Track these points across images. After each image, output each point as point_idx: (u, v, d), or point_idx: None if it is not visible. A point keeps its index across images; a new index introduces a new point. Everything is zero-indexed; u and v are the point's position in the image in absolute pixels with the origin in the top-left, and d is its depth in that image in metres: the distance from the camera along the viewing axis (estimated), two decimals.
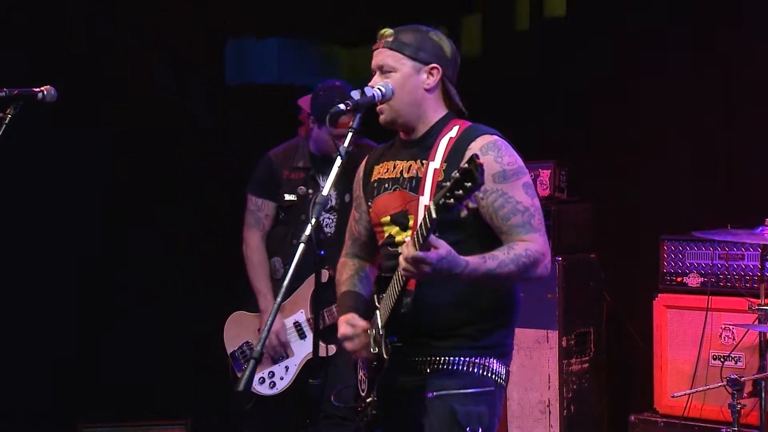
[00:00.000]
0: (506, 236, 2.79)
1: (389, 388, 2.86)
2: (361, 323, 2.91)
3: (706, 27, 5.07)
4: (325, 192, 2.70)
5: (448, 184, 2.44)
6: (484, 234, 2.82)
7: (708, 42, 5.07)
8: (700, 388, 4.31)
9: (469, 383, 2.82)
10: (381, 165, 3.03)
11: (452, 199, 2.43)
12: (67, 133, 5.25)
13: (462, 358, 2.82)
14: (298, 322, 4.38)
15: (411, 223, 2.86)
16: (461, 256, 2.63)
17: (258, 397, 4.34)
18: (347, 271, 3.14)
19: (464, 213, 2.49)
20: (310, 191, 4.36)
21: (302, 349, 4.35)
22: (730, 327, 4.42)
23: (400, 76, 2.88)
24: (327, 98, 4.22)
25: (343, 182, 3.57)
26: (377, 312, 2.87)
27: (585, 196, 5.22)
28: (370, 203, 3.03)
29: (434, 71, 2.92)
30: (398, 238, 2.91)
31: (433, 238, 2.56)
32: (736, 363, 4.39)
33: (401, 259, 2.60)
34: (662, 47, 5.22)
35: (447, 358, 2.83)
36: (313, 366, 4.35)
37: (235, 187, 5.73)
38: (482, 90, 5.63)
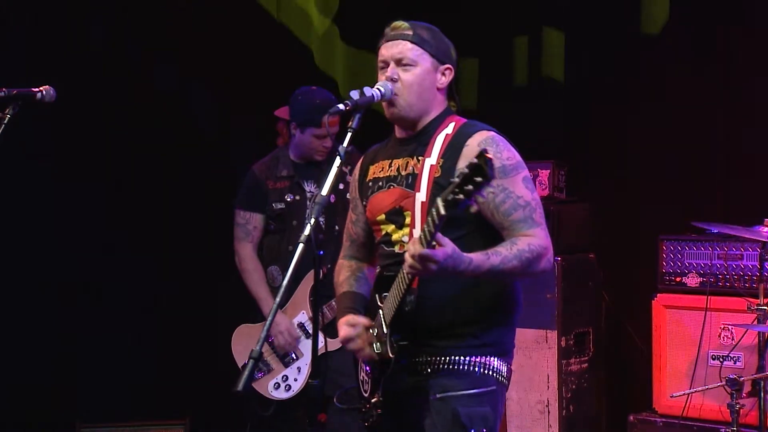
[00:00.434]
0: (508, 232, 2.79)
1: (393, 388, 2.86)
2: (362, 320, 2.90)
3: (706, 27, 5.07)
4: (324, 192, 2.71)
5: (457, 180, 2.41)
6: (485, 229, 2.82)
7: (708, 42, 5.07)
8: (699, 388, 4.32)
9: (471, 384, 2.81)
10: (376, 164, 3.03)
11: (461, 195, 2.41)
12: (67, 133, 5.26)
13: (463, 357, 2.82)
14: (301, 323, 4.39)
15: (407, 220, 2.85)
16: (465, 254, 2.63)
17: (277, 403, 4.38)
18: (345, 273, 3.13)
19: (474, 208, 2.47)
20: (297, 197, 4.43)
21: (310, 348, 4.37)
22: (729, 327, 4.42)
23: (421, 71, 2.88)
24: (307, 101, 4.34)
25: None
26: (380, 311, 2.86)
27: (584, 196, 5.22)
28: (365, 203, 3.03)
29: (447, 72, 2.94)
30: (394, 237, 2.90)
31: (439, 235, 2.55)
32: (735, 363, 4.40)
33: (407, 256, 2.59)
34: (662, 47, 5.22)
35: (448, 358, 2.82)
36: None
37: (235, 188, 5.76)
38: (482, 88, 5.69)
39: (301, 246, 2.63)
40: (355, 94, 2.81)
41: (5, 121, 3.01)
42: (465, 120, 2.94)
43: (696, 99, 5.11)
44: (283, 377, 4.39)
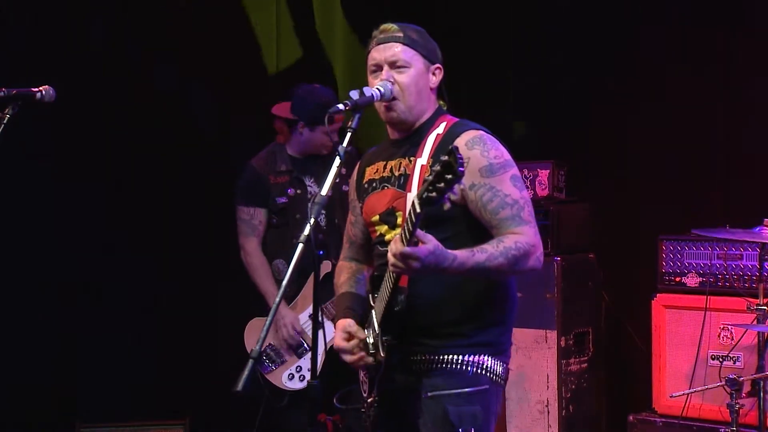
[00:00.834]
0: (496, 230, 2.79)
1: (388, 388, 2.88)
2: (360, 335, 2.90)
3: (706, 27, 5.08)
4: (324, 192, 2.71)
5: (430, 178, 2.43)
6: (474, 229, 2.82)
7: (708, 42, 5.07)
8: (699, 388, 4.32)
9: (462, 383, 2.82)
10: (372, 166, 3.04)
11: (435, 193, 2.42)
12: (67, 133, 5.25)
13: (455, 357, 2.83)
14: (311, 314, 4.41)
15: (399, 220, 2.86)
16: (449, 250, 2.63)
17: (290, 394, 4.43)
18: (345, 274, 3.14)
19: (447, 206, 2.48)
20: (299, 191, 4.48)
21: (322, 338, 4.41)
22: (729, 327, 4.42)
23: (415, 73, 2.89)
24: (314, 100, 4.43)
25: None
26: (373, 312, 2.88)
27: (584, 196, 5.23)
28: (361, 204, 3.04)
29: (437, 71, 2.96)
30: (388, 237, 2.91)
31: (420, 232, 2.56)
32: (734, 363, 4.40)
33: (390, 255, 2.60)
34: (662, 47, 5.22)
35: (440, 357, 2.83)
36: (311, 366, 4.40)
37: (235, 187, 5.76)
38: (482, 88, 5.68)
39: (300, 246, 2.64)
40: (354, 94, 2.82)
41: (5, 121, 3.01)
42: (456, 119, 2.96)
43: (696, 99, 5.11)
44: (296, 368, 4.43)
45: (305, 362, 4.43)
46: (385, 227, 2.93)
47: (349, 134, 2.81)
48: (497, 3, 5.72)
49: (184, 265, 5.57)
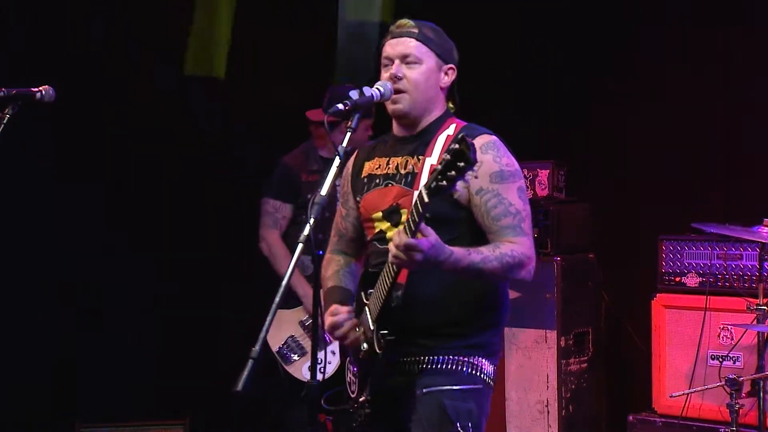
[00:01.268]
0: (494, 236, 2.80)
1: (381, 388, 2.86)
2: (344, 308, 2.92)
3: (706, 27, 5.08)
4: (323, 192, 2.71)
5: (440, 166, 2.43)
6: (476, 234, 2.83)
7: (708, 42, 5.07)
8: (699, 388, 4.32)
9: (458, 380, 2.82)
10: (372, 161, 3.02)
11: (444, 181, 2.42)
12: (67, 133, 5.25)
13: (451, 357, 2.83)
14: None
15: (404, 218, 2.85)
16: (446, 246, 2.64)
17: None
18: (333, 267, 3.13)
19: (457, 194, 2.49)
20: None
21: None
22: (729, 327, 4.43)
23: (426, 69, 2.89)
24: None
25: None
26: (366, 308, 2.87)
27: (583, 196, 5.23)
28: (359, 198, 3.03)
29: (450, 72, 2.95)
30: (389, 234, 2.89)
31: (423, 226, 2.56)
32: (734, 363, 4.40)
33: (392, 246, 2.60)
34: (662, 47, 5.22)
35: (436, 357, 2.83)
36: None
37: (235, 187, 5.76)
38: (481, 88, 5.68)
39: (300, 246, 2.63)
40: (354, 94, 2.82)
41: (5, 121, 3.01)
42: (465, 123, 2.95)
43: (696, 99, 5.11)
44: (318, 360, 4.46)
45: (325, 355, 4.46)
46: (387, 224, 2.92)
47: (348, 134, 2.80)
48: (497, 3, 5.72)
49: (184, 265, 5.58)
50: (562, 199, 5.14)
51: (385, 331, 2.77)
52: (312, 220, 2.64)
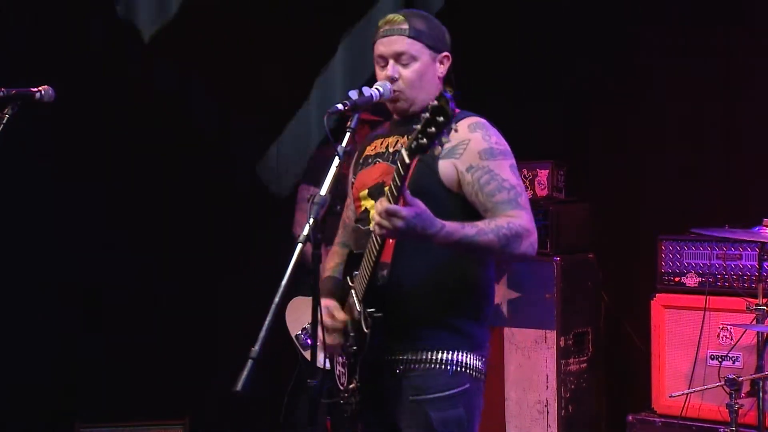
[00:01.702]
0: (491, 213, 2.74)
1: (369, 382, 2.83)
2: (341, 316, 2.88)
3: (706, 26, 5.08)
4: (323, 192, 2.71)
5: (419, 126, 2.40)
6: (468, 216, 2.77)
7: (708, 42, 5.07)
8: (698, 388, 4.31)
9: (443, 384, 2.78)
10: (371, 144, 3.03)
11: (425, 138, 2.39)
12: (67, 133, 5.26)
13: (436, 355, 2.79)
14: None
15: None
16: (438, 219, 2.59)
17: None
18: (334, 259, 3.11)
19: (438, 150, 2.42)
20: None
21: None
22: (728, 327, 4.42)
23: (421, 66, 2.87)
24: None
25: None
26: (352, 291, 2.84)
27: (583, 196, 5.23)
28: (353, 180, 3.03)
29: (445, 60, 2.93)
30: (373, 213, 2.86)
31: (408, 195, 2.52)
32: (733, 363, 4.40)
33: (374, 213, 2.56)
34: (662, 47, 5.22)
35: (419, 356, 2.79)
36: (307, 370, 4.41)
37: (235, 187, 5.77)
38: (480, 88, 5.68)
39: (299, 246, 2.63)
40: (353, 94, 2.81)
41: (4, 121, 3.01)
42: (459, 110, 2.94)
43: (696, 99, 5.11)
44: None
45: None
46: (372, 202, 2.86)
47: (348, 134, 2.80)
48: (498, 3, 5.72)
49: (184, 265, 5.58)
50: (562, 199, 5.14)
51: (371, 310, 2.72)
52: (311, 220, 2.63)
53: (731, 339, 4.41)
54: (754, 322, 4.06)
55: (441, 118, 2.37)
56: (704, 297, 4.47)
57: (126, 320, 5.51)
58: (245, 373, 2.45)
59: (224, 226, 5.72)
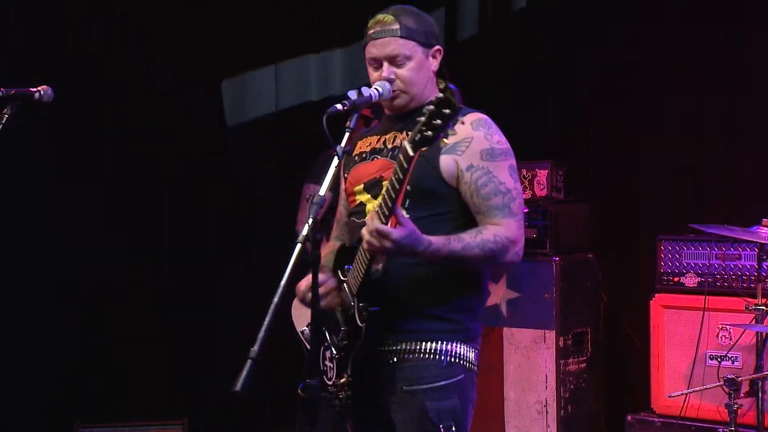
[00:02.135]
0: (482, 217, 2.78)
1: (360, 376, 2.82)
2: (331, 282, 2.87)
3: (706, 26, 5.08)
4: (322, 192, 2.71)
5: (423, 118, 2.41)
6: (462, 213, 2.80)
7: (708, 41, 5.08)
8: (697, 388, 4.32)
9: (437, 375, 2.79)
10: (365, 140, 3.03)
11: (430, 131, 2.40)
12: (67, 133, 5.26)
13: (429, 345, 2.80)
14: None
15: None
16: (425, 236, 2.62)
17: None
18: (325, 251, 3.08)
19: (444, 143, 2.45)
20: None
21: None
22: (727, 327, 4.43)
23: (416, 64, 2.87)
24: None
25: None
26: (344, 285, 2.84)
27: (582, 196, 5.23)
28: (346, 175, 3.02)
29: (437, 53, 2.94)
30: (368, 207, 2.88)
31: (399, 214, 2.55)
32: (733, 363, 4.40)
33: (364, 231, 2.58)
34: (662, 46, 5.22)
35: (415, 345, 2.80)
36: (309, 366, 4.40)
37: (235, 187, 5.77)
38: (480, 87, 5.69)
39: (299, 246, 2.63)
40: (352, 94, 2.81)
41: (3, 121, 3.01)
42: (462, 106, 2.95)
43: (696, 98, 5.11)
44: None
45: None
46: (368, 196, 2.90)
47: (347, 134, 2.80)
48: (498, 2, 5.73)
49: (184, 265, 5.58)
50: (561, 199, 5.14)
51: (366, 304, 2.74)
52: (311, 220, 2.63)
53: (730, 339, 4.42)
54: (753, 322, 4.06)
55: (447, 110, 2.38)
56: (703, 297, 4.47)
57: (126, 320, 5.51)
58: (244, 373, 2.45)
59: (224, 226, 5.73)
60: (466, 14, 5.87)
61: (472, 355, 2.87)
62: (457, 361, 2.82)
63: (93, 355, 5.46)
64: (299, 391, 3.00)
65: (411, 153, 2.46)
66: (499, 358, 4.93)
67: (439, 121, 2.39)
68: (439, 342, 2.81)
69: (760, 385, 3.98)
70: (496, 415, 4.92)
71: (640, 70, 5.29)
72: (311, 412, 2.83)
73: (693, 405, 4.45)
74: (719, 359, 4.41)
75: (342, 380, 2.85)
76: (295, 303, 4.47)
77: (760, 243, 4.04)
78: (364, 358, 2.80)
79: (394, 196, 2.54)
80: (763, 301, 4.05)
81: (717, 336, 4.47)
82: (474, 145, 2.79)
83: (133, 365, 5.49)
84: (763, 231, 4.00)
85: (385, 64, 2.87)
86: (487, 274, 2.97)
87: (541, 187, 5.07)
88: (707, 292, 4.48)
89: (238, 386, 2.45)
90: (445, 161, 2.80)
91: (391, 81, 2.86)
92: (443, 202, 2.80)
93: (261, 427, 5.53)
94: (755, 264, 4.19)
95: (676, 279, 4.66)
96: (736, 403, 3.94)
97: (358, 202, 2.95)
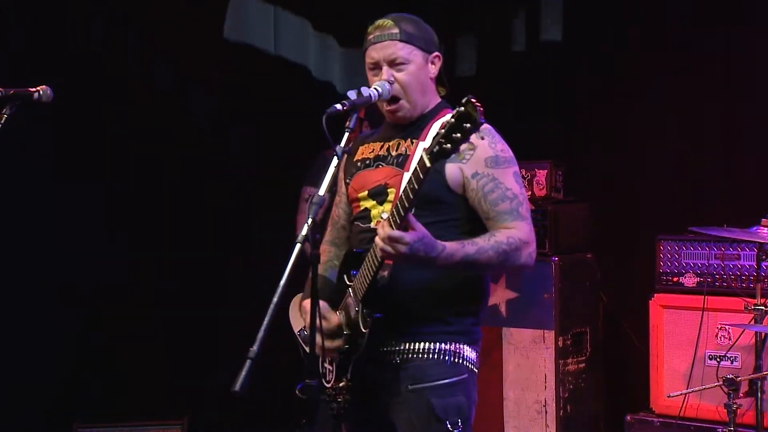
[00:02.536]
0: (492, 222, 2.80)
1: (361, 378, 2.84)
2: (334, 319, 2.89)
3: (706, 27, 5.08)
4: (321, 192, 2.71)
5: (443, 130, 2.42)
6: (474, 216, 2.82)
7: (707, 42, 5.08)
8: (697, 388, 4.32)
9: (443, 373, 2.81)
10: (366, 146, 3.04)
11: (449, 144, 2.41)
12: (67, 133, 5.26)
13: (433, 345, 2.82)
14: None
15: (390, 197, 2.86)
16: (438, 241, 2.64)
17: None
18: (322, 258, 3.10)
19: (461, 155, 2.48)
20: None
21: None
22: (726, 327, 4.43)
23: (415, 68, 2.89)
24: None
25: None
26: (350, 290, 2.86)
27: (581, 196, 5.23)
28: (348, 180, 3.03)
29: (436, 60, 2.95)
30: (373, 212, 2.90)
31: (412, 219, 2.56)
32: (732, 363, 4.40)
33: (377, 239, 2.60)
34: (661, 47, 5.23)
35: (418, 345, 2.81)
36: (309, 365, 4.40)
37: (235, 187, 5.77)
38: (479, 87, 5.68)
39: (298, 246, 2.63)
40: (352, 94, 2.81)
41: (2, 121, 3.01)
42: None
43: (696, 99, 5.11)
44: None
45: None
46: (373, 202, 2.91)
47: (346, 134, 2.81)
48: (498, 2, 5.73)
49: (184, 266, 5.58)
50: (560, 199, 5.14)
51: (370, 311, 2.75)
52: (310, 220, 2.63)
53: (729, 339, 4.42)
54: (753, 322, 4.07)
55: (468, 125, 2.39)
56: (702, 297, 4.48)
57: (126, 320, 5.51)
58: (243, 373, 2.46)
59: (224, 226, 5.73)
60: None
61: (474, 356, 2.90)
62: (461, 361, 2.85)
63: (93, 355, 5.46)
64: (297, 392, 3.01)
65: (428, 164, 2.48)
66: (498, 357, 4.93)
67: (458, 135, 2.40)
68: (443, 343, 2.83)
69: (759, 385, 3.98)
70: (496, 415, 4.93)
71: (640, 71, 5.29)
72: (310, 413, 2.83)
73: (692, 405, 4.46)
74: (718, 359, 4.42)
75: (341, 384, 2.87)
76: (293, 305, 4.49)
77: (759, 243, 4.04)
78: (365, 360, 2.81)
79: (407, 204, 2.56)
80: (762, 301, 4.05)
81: (716, 336, 4.47)
82: (478, 152, 2.80)
83: (132, 365, 5.49)
84: (762, 231, 4.00)
85: (385, 67, 2.89)
86: (489, 278, 2.99)
87: (540, 187, 5.08)
88: (706, 292, 4.49)
89: (238, 386, 2.45)
90: (451, 169, 2.82)
91: (390, 83, 2.87)
92: (449, 210, 2.82)
93: (261, 427, 5.52)
94: (754, 264, 4.19)
95: (675, 279, 4.67)
96: (735, 403, 3.94)
97: (362, 207, 2.96)
